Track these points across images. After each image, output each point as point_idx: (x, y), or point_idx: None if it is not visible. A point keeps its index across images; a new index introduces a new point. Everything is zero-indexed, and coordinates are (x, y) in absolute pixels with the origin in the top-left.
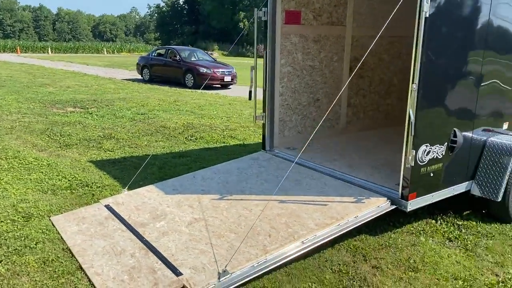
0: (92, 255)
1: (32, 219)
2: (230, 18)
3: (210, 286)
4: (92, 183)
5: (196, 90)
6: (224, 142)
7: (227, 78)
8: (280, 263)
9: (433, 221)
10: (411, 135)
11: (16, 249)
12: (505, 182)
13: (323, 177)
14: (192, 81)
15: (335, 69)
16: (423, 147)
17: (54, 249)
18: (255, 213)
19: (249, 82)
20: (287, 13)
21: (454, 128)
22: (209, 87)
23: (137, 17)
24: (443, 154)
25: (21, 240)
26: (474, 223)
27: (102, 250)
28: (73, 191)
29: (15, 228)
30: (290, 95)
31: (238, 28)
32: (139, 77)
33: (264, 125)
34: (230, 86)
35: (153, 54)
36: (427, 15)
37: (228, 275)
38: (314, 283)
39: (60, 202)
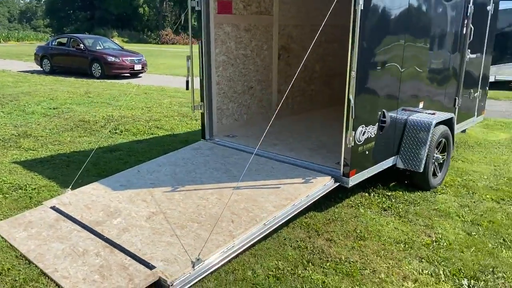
0: (53, 259)
1: None
2: (129, 3)
3: (186, 275)
4: (25, 185)
5: (105, 80)
6: (152, 134)
7: (137, 67)
8: (247, 246)
9: (367, 194)
10: (351, 118)
11: None
12: (425, 154)
13: (269, 162)
14: (100, 71)
15: (265, 57)
16: (360, 128)
17: (7, 258)
18: (213, 202)
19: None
20: (219, 3)
21: (383, 110)
22: (118, 76)
23: (22, 2)
24: (375, 133)
25: None
26: (401, 193)
27: (62, 253)
28: (6, 195)
29: None
30: (226, 84)
31: (138, 13)
32: (39, 68)
33: (203, 114)
34: (140, 75)
35: (53, 43)
36: (362, 8)
37: (201, 263)
38: (280, 260)
39: None
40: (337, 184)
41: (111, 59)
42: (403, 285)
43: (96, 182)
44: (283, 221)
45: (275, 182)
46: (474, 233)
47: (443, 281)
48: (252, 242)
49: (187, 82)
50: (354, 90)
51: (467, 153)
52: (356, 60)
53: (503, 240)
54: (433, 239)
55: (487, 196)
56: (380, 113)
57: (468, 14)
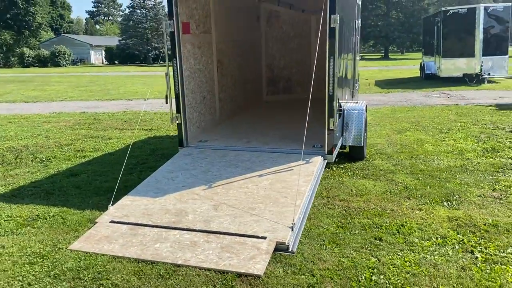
0: (171, 254)
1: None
2: None
3: (293, 237)
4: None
5: None
6: (85, 156)
7: None
8: (308, 210)
9: (331, 170)
10: (333, 107)
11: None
12: (363, 132)
13: (263, 154)
14: None
15: (210, 70)
16: (335, 116)
17: (123, 267)
18: (254, 188)
19: None
20: (183, 24)
21: (340, 101)
22: None
23: None
24: (338, 120)
25: (71, 270)
26: (349, 164)
27: (173, 249)
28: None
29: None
30: (191, 96)
31: None
32: None
33: (180, 124)
34: None
35: None
36: (332, 26)
37: (295, 226)
38: (329, 217)
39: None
40: (326, 160)
41: None
42: (407, 208)
43: (127, 196)
44: (316, 189)
45: (285, 166)
46: (419, 178)
47: (422, 204)
48: (310, 207)
49: (166, 96)
50: (333, 87)
51: None
52: (328, 65)
53: (438, 178)
54: (402, 187)
55: (400, 157)
56: (338, 103)
57: (357, 28)
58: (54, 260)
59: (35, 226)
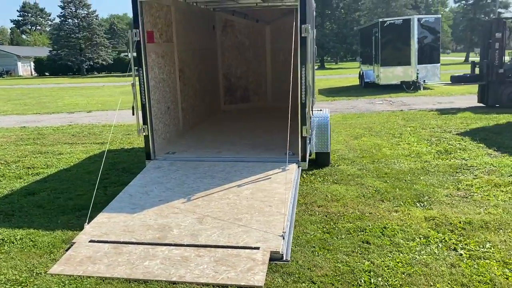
0: (163, 272)
1: None
2: None
3: (284, 245)
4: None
5: None
6: (38, 174)
7: None
8: (294, 217)
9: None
10: (306, 115)
11: None
12: (329, 139)
13: (238, 164)
14: None
15: (173, 80)
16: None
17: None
18: (236, 199)
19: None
20: (148, 33)
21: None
22: None
23: None
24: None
25: None
26: (316, 170)
27: (165, 266)
28: None
29: None
30: (156, 106)
31: None
32: None
33: (147, 136)
34: None
35: None
36: (303, 36)
37: (285, 234)
38: (312, 223)
39: None
40: (300, 167)
41: None
42: (384, 211)
43: (103, 213)
44: (296, 196)
45: (262, 175)
46: (387, 181)
47: (397, 206)
48: (294, 214)
49: (133, 107)
50: (305, 95)
51: None
52: (305, 74)
53: (404, 181)
54: (374, 190)
55: (363, 161)
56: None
57: (313, 37)
58: (35, 286)
59: (2, 251)
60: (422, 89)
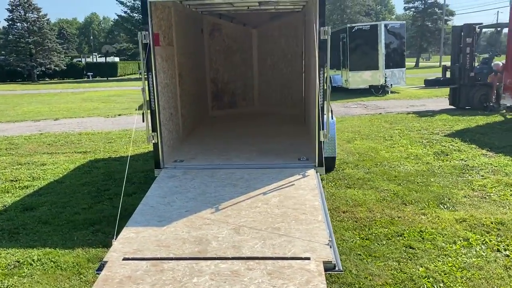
0: (209, 284)
1: None
2: None
3: (333, 254)
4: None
5: None
6: (26, 187)
7: None
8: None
9: None
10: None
11: None
12: (336, 143)
13: (253, 172)
14: None
15: (174, 85)
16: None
17: None
18: (265, 208)
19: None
20: (155, 36)
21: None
22: None
23: None
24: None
25: None
26: (325, 176)
27: (215, 282)
28: None
29: None
30: (162, 112)
31: None
32: None
33: (156, 144)
34: None
35: None
36: (322, 38)
37: (331, 242)
38: (346, 229)
39: None
40: (318, 173)
41: None
42: (411, 214)
43: (128, 227)
44: (325, 203)
45: (284, 182)
46: (400, 184)
47: (421, 208)
48: (330, 221)
49: (143, 114)
50: (323, 99)
51: None
52: (323, 77)
53: (416, 183)
54: (391, 194)
55: (366, 165)
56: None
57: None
58: None
59: (23, 274)
60: (390, 92)
